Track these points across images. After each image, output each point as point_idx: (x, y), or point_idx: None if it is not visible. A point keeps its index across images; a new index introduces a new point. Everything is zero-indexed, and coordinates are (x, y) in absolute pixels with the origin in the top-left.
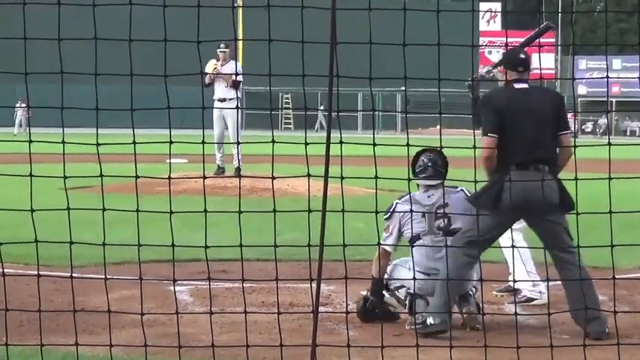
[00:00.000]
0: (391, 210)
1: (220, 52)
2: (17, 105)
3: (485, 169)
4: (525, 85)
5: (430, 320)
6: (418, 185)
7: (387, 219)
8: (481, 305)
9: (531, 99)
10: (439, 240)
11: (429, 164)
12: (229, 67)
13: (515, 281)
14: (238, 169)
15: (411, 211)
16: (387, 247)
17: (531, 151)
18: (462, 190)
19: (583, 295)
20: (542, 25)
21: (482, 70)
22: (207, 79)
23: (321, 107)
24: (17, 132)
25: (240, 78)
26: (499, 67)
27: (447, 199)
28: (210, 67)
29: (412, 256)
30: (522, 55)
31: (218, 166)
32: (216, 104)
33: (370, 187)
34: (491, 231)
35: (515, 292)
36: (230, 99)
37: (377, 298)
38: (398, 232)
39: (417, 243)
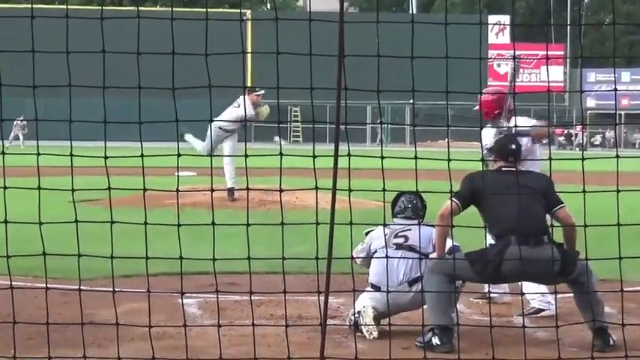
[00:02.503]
0: (370, 230)
1: (257, 95)
2: (19, 121)
3: (437, 228)
4: (513, 168)
5: (436, 341)
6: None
7: (366, 233)
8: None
9: (516, 178)
10: (393, 252)
11: (409, 206)
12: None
13: (522, 290)
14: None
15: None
16: (357, 260)
17: (527, 224)
18: (433, 226)
19: (591, 308)
20: (512, 64)
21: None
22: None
23: (379, 120)
24: (9, 145)
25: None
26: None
27: (413, 227)
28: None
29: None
30: (513, 146)
31: (232, 188)
32: (220, 132)
33: (378, 200)
34: (468, 277)
35: (490, 299)
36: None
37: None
38: (368, 249)
39: (374, 257)
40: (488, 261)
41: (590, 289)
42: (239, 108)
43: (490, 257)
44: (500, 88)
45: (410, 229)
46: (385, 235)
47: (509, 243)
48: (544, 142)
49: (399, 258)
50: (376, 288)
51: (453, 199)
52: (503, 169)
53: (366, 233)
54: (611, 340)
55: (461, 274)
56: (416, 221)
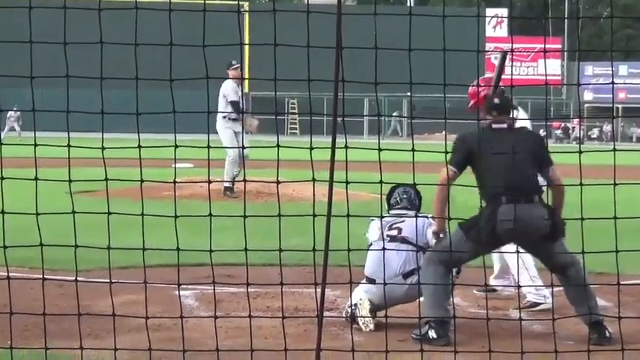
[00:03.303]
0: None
1: (234, 69)
2: (12, 112)
3: (436, 201)
4: (504, 126)
5: (432, 334)
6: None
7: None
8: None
9: (508, 138)
10: (387, 244)
11: (404, 196)
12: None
13: (518, 284)
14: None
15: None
16: None
17: (518, 183)
18: (426, 216)
19: (586, 299)
20: (500, 56)
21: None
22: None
23: (395, 113)
24: (4, 137)
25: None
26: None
27: (407, 218)
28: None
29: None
30: (496, 101)
31: (229, 185)
32: (228, 123)
33: (375, 192)
34: (465, 255)
35: (493, 291)
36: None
37: None
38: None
39: (369, 249)
40: (482, 225)
41: (583, 283)
42: (227, 96)
43: (484, 220)
44: (489, 77)
45: (403, 221)
46: (380, 229)
47: (501, 203)
48: None
49: (394, 250)
50: (371, 281)
51: (448, 165)
52: (493, 126)
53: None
54: (607, 333)
55: (459, 254)
56: (411, 212)
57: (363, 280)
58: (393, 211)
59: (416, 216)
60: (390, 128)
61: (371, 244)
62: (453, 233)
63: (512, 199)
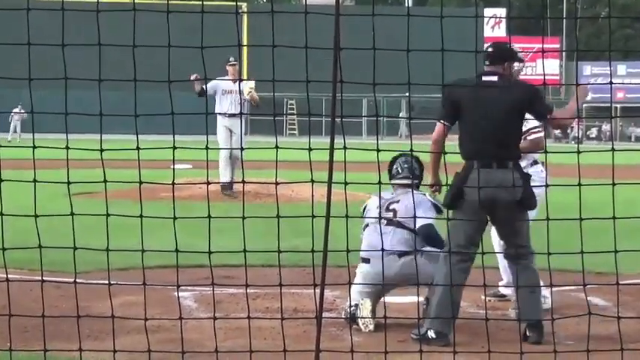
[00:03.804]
0: (365, 205)
1: (231, 65)
2: (16, 110)
3: (431, 154)
4: (494, 78)
5: (431, 334)
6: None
7: (362, 209)
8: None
9: (493, 93)
10: (383, 227)
11: (405, 166)
12: (242, 83)
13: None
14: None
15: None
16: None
17: (494, 147)
18: (423, 194)
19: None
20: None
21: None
22: (197, 87)
23: (401, 114)
24: (11, 138)
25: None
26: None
27: (402, 196)
28: (245, 90)
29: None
30: (489, 49)
31: (225, 184)
32: (224, 120)
33: (374, 193)
34: (467, 232)
35: (503, 296)
36: (238, 114)
37: None
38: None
39: (365, 231)
40: (454, 190)
41: (534, 280)
42: (216, 92)
43: (455, 186)
44: None
45: (398, 201)
46: (378, 208)
47: (472, 167)
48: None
49: (389, 232)
50: (365, 260)
51: (440, 120)
52: (483, 78)
53: (363, 209)
54: (543, 335)
55: (463, 232)
56: (414, 181)
57: (359, 264)
58: (394, 181)
59: (412, 190)
60: (400, 130)
61: (367, 225)
62: (449, 221)
63: (484, 164)
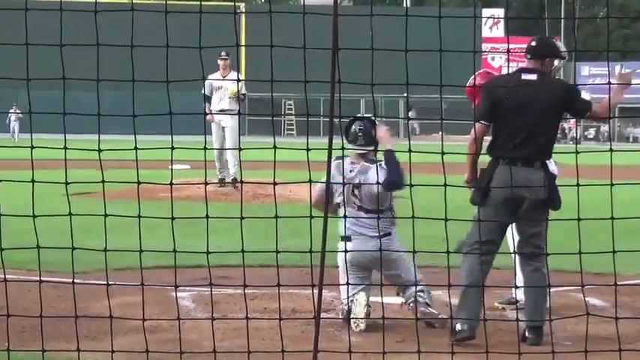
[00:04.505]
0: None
1: (221, 59)
2: (11, 110)
3: (468, 154)
4: (533, 77)
5: (459, 326)
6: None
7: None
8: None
9: (532, 92)
10: (355, 212)
11: (360, 134)
12: (231, 78)
13: (515, 284)
14: (235, 179)
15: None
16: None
17: (523, 146)
18: (377, 164)
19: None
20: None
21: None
22: (207, 91)
23: (410, 113)
24: (16, 139)
25: (243, 90)
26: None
27: (361, 176)
28: (230, 91)
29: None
30: (533, 43)
31: (220, 179)
32: (215, 116)
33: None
34: (488, 228)
35: (517, 302)
36: (231, 110)
37: None
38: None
39: (340, 211)
40: (480, 189)
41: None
42: (217, 89)
43: (485, 182)
44: (485, 72)
45: (359, 186)
46: (341, 174)
47: (497, 165)
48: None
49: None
50: (347, 238)
51: (480, 120)
52: (522, 76)
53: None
54: (542, 338)
55: (488, 231)
56: (370, 148)
57: (339, 243)
58: (351, 145)
59: (373, 166)
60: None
61: (338, 205)
62: (474, 218)
63: (510, 162)
